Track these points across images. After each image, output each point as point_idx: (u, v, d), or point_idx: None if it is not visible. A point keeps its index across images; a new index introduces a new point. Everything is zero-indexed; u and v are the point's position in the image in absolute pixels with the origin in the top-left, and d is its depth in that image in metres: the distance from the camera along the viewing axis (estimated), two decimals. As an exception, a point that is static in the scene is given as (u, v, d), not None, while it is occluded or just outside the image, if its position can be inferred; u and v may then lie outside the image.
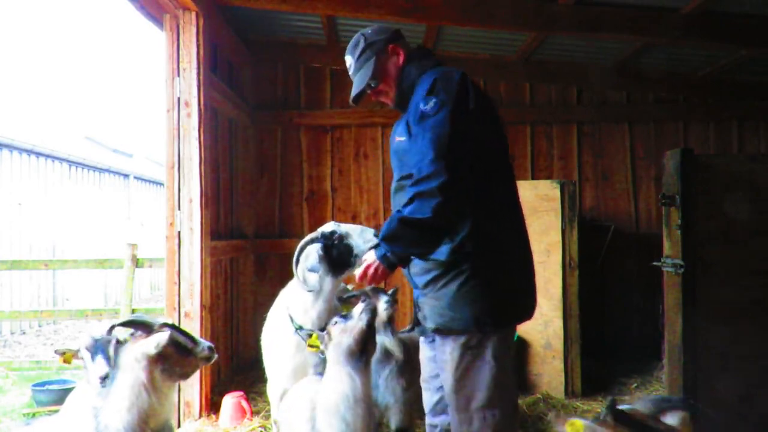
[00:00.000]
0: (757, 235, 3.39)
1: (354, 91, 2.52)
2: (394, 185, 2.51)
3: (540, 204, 4.83)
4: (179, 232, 4.30)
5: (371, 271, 2.32)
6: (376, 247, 2.34)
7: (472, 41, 5.87)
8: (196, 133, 4.30)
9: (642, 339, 6.00)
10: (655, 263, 3.56)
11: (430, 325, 2.39)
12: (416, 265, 2.41)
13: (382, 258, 2.29)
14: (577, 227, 4.84)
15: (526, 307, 2.46)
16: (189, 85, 4.29)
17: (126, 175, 13.25)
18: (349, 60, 2.55)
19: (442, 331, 2.36)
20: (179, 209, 4.30)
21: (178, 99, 4.30)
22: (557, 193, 4.82)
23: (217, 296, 5.04)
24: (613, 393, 5.01)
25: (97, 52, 37.25)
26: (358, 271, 2.37)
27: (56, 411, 4.61)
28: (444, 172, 2.14)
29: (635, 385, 5.22)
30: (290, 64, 6.33)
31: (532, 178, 6.24)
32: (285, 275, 6.14)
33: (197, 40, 4.30)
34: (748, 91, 6.34)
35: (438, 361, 2.45)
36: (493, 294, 2.31)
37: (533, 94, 6.40)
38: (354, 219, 6.32)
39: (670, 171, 3.39)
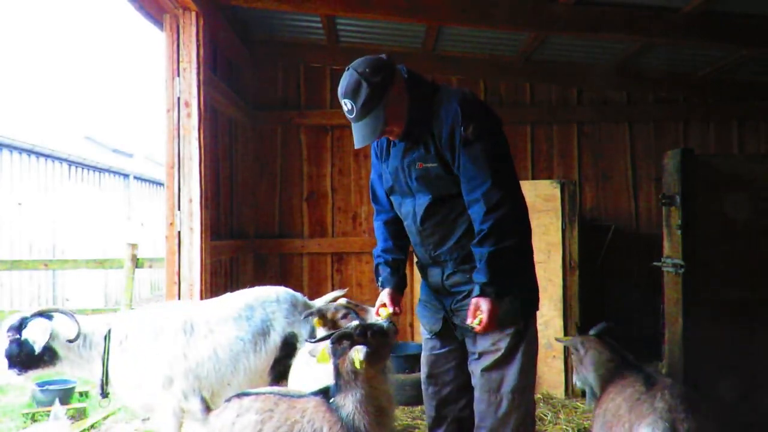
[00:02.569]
0: (757, 235, 3.39)
1: (362, 142, 2.37)
2: (424, 211, 2.47)
3: (540, 204, 4.84)
4: (179, 232, 4.30)
5: (493, 317, 2.32)
6: (481, 293, 2.31)
7: (472, 41, 5.87)
8: (196, 133, 4.30)
9: (642, 339, 5.99)
10: (655, 263, 3.57)
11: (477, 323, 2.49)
12: (460, 275, 2.50)
13: (498, 297, 2.31)
14: (577, 227, 4.85)
15: (538, 298, 2.66)
16: (189, 85, 4.29)
17: (126, 175, 13.25)
18: (349, 104, 2.32)
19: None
20: (179, 209, 4.30)
21: (178, 99, 4.30)
22: (557, 193, 4.82)
23: (217, 296, 5.03)
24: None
25: (97, 52, 37.28)
26: (476, 323, 2.32)
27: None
28: (509, 197, 2.34)
29: (635, 385, 5.21)
30: (290, 64, 6.33)
31: (532, 178, 6.23)
32: (285, 275, 6.19)
33: (197, 40, 4.29)
34: (748, 91, 6.34)
35: (476, 353, 2.55)
36: (532, 285, 2.59)
37: (533, 94, 6.40)
38: (354, 219, 6.32)
39: (671, 171, 3.39)
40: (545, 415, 4.45)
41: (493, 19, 4.82)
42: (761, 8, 4.58)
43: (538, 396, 4.81)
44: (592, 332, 3.06)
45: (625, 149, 6.40)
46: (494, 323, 2.33)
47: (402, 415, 4.59)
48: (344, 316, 2.77)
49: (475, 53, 6.15)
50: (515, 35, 5.57)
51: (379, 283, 2.68)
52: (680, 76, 6.28)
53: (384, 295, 2.62)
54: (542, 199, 4.84)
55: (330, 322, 2.82)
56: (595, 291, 5.89)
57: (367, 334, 2.28)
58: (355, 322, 2.38)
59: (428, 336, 2.74)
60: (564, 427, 4.27)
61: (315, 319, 2.87)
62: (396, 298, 2.64)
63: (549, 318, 4.84)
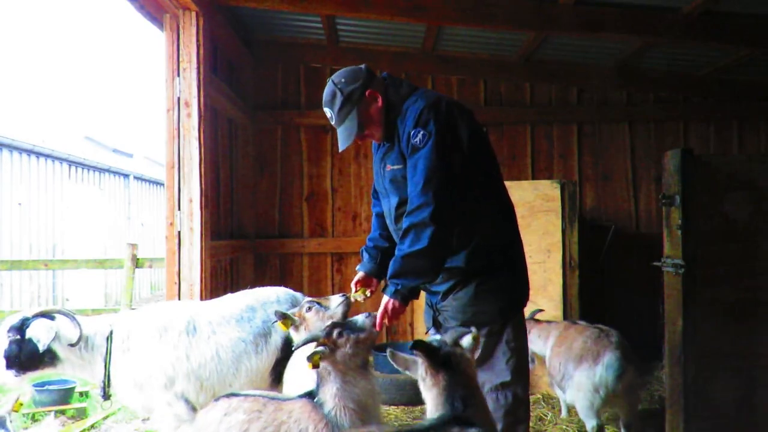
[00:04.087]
0: (757, 235, 3.38)
1: (343, 144, 2.58)
2: (395, 211, 2.60)
3: (540, 204, 4.84)
4: (179, 232, 4.30)
5: (389, 309, 2.45)
6: (384, 289, 2.50)
7: (472, 41, 5.87)
8: (196, 133, 4.30)
9: (642, 339, 5.99)
10: (655, 263, 3.56)
11: (454, 323, 2.58)
12: (444, 285, 2.58)
13: (394, 294, 2.44)
14: (577, 227, 4.85)
15: (527, 295, 2.72)
16: (189, 85, 4.29)
17: (126, 175, 13.25)
18: (329, 113, 2.58)
19: (467, 326, 2.52)
20: (179, 209, 4.30)
21: (178, 99, 4.30)
22: (557, 193, 4.82)
23: (217, 296, 5.04)
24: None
25: (97, 52, 37.28)
26: (378, 316, 2.46)
27: (56, 411, 4.62)
28: (432, 201, 2.34)
29: (635, 385, 5.21)
30: (290, 64, 6.33)
31: (533, 178, 6.23)
32: (285, 275, 6.20)
33: (197, 40, 4.29)
34: (748, 91, 6.34)
35: None
36: (509, 286, 2.59)
37: (533, 94, 6.40)
38: (354, 219, 6.32)
39: (670, 171, 3.38)
40: (545, 415, 4.45)
41: (493, 19, 4.82)
42: (761, 8, 4.58)
43: (537, 396, 4.81)
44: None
45: (625, 149, 6.40)
46: (389, 319, 2.46)
47: (402, 415, 4.59)
48: (309, 309, 2.84)
49: (475, 53, 6.15)
50: (515, 35, 5.57)
51: (357, 267, 2.86)
52: (680, 76, 6.28)
53: (356, 278, 2.81)
54: (542, 199, 4.84)
55: (299, 321, 2.85)
56: (595, 291, 5.89)
57: (333, 333, 2.34)
58: (327, 323, 2.45)
59: (428, 331, 2.83)
60: (564, 427, 4.27)
61: (279, 323, 2.88)
62: (367, 282, 2.80)
63: (549, 318, 4.84)
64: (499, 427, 2.51)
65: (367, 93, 2.53)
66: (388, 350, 2.19)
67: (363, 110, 2.53)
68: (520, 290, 2.67)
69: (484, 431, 1.98)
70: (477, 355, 2.51)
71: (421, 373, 2.11)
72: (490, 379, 2.54)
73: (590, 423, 3.68)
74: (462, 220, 2.48)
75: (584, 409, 3.69)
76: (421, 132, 2.39)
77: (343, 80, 2.54)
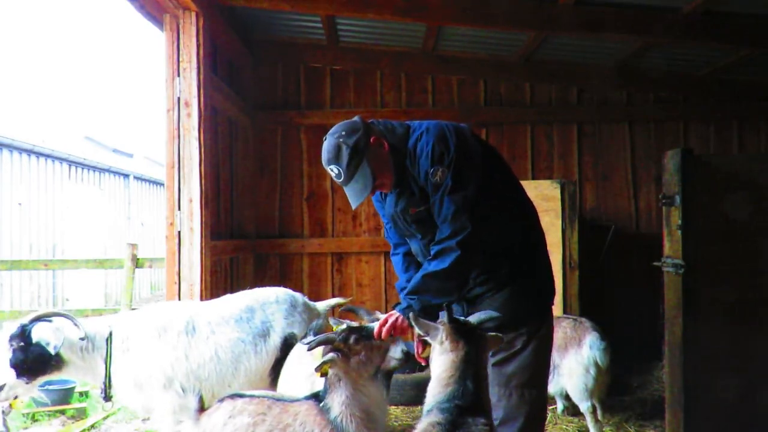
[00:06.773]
0: (757, 235, 3.38)
1: (356, 201, 2.46)
2: (427, 248, 2.56)
3: (540, 204, 4.82)
4: (179, 232, 4.30)
5: (389, 322, 2.40)
6: (395, 305, 2.48)
7: (472, 41, 5.87)
8: (196, 133, 4.30)
9: (642, 339, 6.00)
10: (655, 263, 3.56)
11: (492, 324, 2.59)
12: (479, 288, 2.60)
13: (405, 309, 2.41)
14: (577, 227, 4.85)
15: (554, 292, 2.82)
16: (189, 85, 4.29)
17: (126, 175, 13.25)
18: (336, 170, 2.42)
19: (504, 328, 2.55)
20: (179, 209, 4.30)
21: (178, 99, 4.30)
22: (557, 193, 4.82)
23: (217, 296, 5.03)
24: (614, 393, 5.01)
25: (97, 52, 37.28)
26: (376, 327, 2.41)
27: (56, 411, 4.62)
28: (461, 229, 2.38)
29: (636, 384, 5.21)
30: (290, 64, 6.33)
31: (533, 178, 6.23)
32: (285, 275, 6.20)
33: (197, 40, 4.30)
34: (748, 91, 6.34)
35: (493, 350, 2.64)
36: (538, 287, 2.67)
37: (533, 94, 6.39)
38: (354, 219, 6.32)
39: (670, 171, 3.38)
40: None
41: (493, 19, 4.82)
42: (761, 8, 4.58)
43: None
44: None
45: (625, 149, 6.39)
46: (387, 330, 2.40)
47: (402, 415, 4.59)
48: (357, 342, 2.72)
49: (475, 53, 6.15)
50: (515, 35, 5.57)
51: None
52: (680, 76, 6.28)
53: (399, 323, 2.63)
54: (542, 199, 4.84)
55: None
56: (595, 291, 5.89)
57: (350, 339, 2.33)
58: (343, 326, 2.41)
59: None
60: (564, 427, 4.27)
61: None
62: None
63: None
64: (519, 421, 2.56)
65: (372, 140, 2.43)
66: (411, 314, 2.24)
67: (372, 158, 2.43)
68: (549, 293, 2.74)
69: (488, 422, 1.99)
70: (511, 351, 2.56)
71: (441, 337, 2.14)
72: (517, 375, 2.59)
73: (584, 404, 3.99)
74: (494, 234, 2.49)
75: (579, 392, 3.98)
76: (440, 169, 2.38)
77: (343, 133, 2.42)
